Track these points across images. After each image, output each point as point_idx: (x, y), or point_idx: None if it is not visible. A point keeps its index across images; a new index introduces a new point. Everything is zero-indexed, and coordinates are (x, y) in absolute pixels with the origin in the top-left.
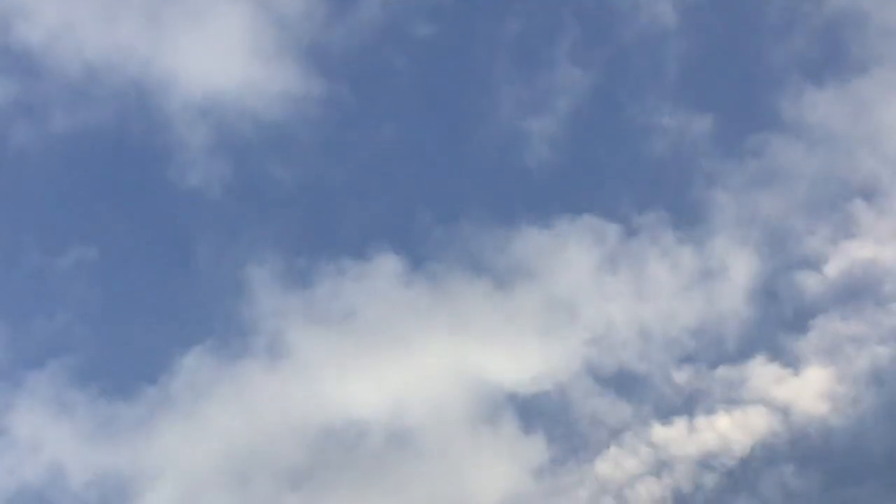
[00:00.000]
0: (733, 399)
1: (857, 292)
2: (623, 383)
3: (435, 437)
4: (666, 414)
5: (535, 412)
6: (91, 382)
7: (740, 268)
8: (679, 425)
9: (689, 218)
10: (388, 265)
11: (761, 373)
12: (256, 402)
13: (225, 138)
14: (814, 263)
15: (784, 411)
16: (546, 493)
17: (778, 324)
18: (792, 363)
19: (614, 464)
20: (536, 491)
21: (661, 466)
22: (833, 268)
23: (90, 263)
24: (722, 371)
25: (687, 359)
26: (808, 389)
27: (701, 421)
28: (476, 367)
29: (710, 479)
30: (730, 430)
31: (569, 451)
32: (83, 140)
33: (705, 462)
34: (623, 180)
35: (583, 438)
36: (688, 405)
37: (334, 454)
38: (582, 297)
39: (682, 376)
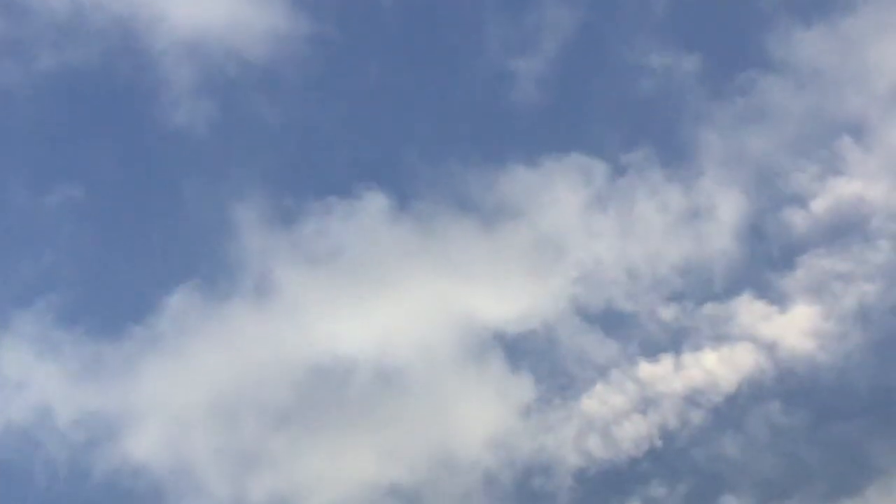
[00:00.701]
0: (720, 336)
1: (844, 229)
2: (610, 321)
3: (422, 375)
4: (652, 351)
5: (521, 350)
6: (77, 322)
7: (728, 206)
8: (665, 362)
9: (676, 157)
10: (374, 203)
11: (748, 310)
12: (243, 341)
13: (211, 77)
14: (801, 201)
15: (771, 348)
16: (533, 431)
17: (765, 261)
18: (779, 300)
19: (601, 401)
20: (523, 428)
21: (647, 403)
22: (820, 205)
23: (76, 202)
24: (709, 308)
25: (674, 296)
26: (794, 326)
27: (687, 358)
28: (463, 305)
29: (696, 416)
30: (716, 367)
31: (555, 388)
32: (69, 79)
33: (692, 399)
34: (610, 119)
35: (569, 376)
36: (674, 342)
37: (321, 393)
38: (569, 236)
39: (668, 313)
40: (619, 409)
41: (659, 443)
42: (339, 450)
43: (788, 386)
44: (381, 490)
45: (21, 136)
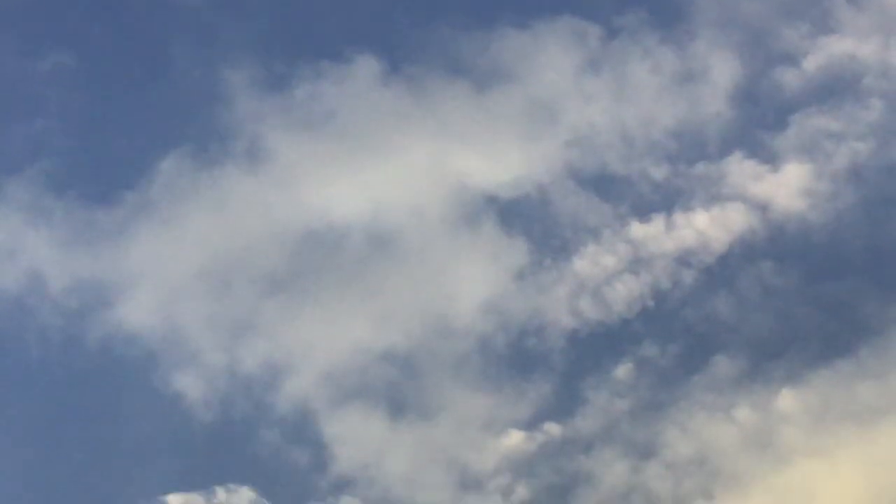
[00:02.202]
0: (711, 196)
1: (836, 88)
2: (603, 184)
3: (415, 239)
4: (644, 212)
5: (515, 214)
6: (69, 188)
7: (720, 67)
8: (657, 222)
9: (670, 18)
10: (366, 68)
11: (739, 169)
12: (235, 206)
13: None
14: (793, 60)
15: (762, 208)
16: (526, 294)
17: (757, 121)
18: (770, 160)
19: (592, 262)
20: (516, 292)
21: (639, 264)
22: (812, 63)
23: (68, 69)
24: (700, 168)
25: (666, 158)
26: (786, 186)
27: (679, 218)
28: (456, 169)
29: (688, 276)
30: (708, 228)
31: (548, 251)
32: None
33: (683, 259)
34: None
35: (562, 238)
36: (666, 203)
37: (314, 258)
38: (562, 99)
39: (660, 173)
40: (610, 270)
41: (651, 303)
42: (331, 316)
43: (780, 246)
44: (375, 355)
45: (13, 2)
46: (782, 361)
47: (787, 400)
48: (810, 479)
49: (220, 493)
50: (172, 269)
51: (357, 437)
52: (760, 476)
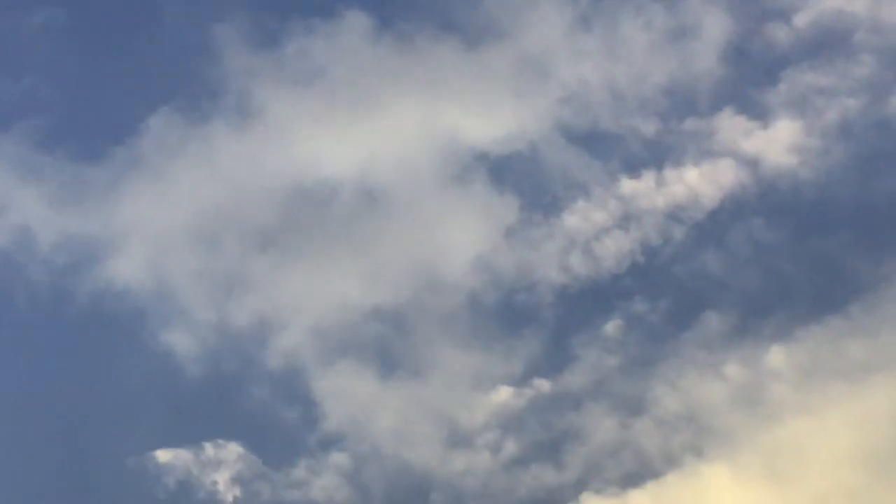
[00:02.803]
0: (702, 152)
1: (827, 44)
2: (594, 141)
3: (406, 196)
4: (634, 167)
5: (505, 171)
6: (58, 144)
7: (712, 24)
8: (647, 178)
9: None
10: (356, 23)
11: (730, 125)
12: (225, 162)
13: None
14: (784, 15)
15: (753, 164)
16: (516, 250)
17: (748, 77)
18: (761, 116)
19: (583, 217)
20: (507, 248)
21: (629, 220)
22: (803, 19)
23: (58, 24)
24: (690, 124)
25: (657, 114)
26: (777, 142)
27: (670, 174)
28: (447, 125)
29: (678, 232)
30: (698, 184)
31: (538, 208)
32: None
33: (674, 215)
34: None
35: (552, 195)
36: (656, 158)
37: (304, 214)
38: (554, 56)
39: (650, 129)
40: (601, 226)
41: (641, 259)
42: (321, 272)
43: (770, 202)
44: (365, 312)
45: None
46: (772, 318)
47: (776, 356)
48: (800, 435)
49: (209, 448)
50: (162, 225)
51: (347, 394)
52: (750, 433)
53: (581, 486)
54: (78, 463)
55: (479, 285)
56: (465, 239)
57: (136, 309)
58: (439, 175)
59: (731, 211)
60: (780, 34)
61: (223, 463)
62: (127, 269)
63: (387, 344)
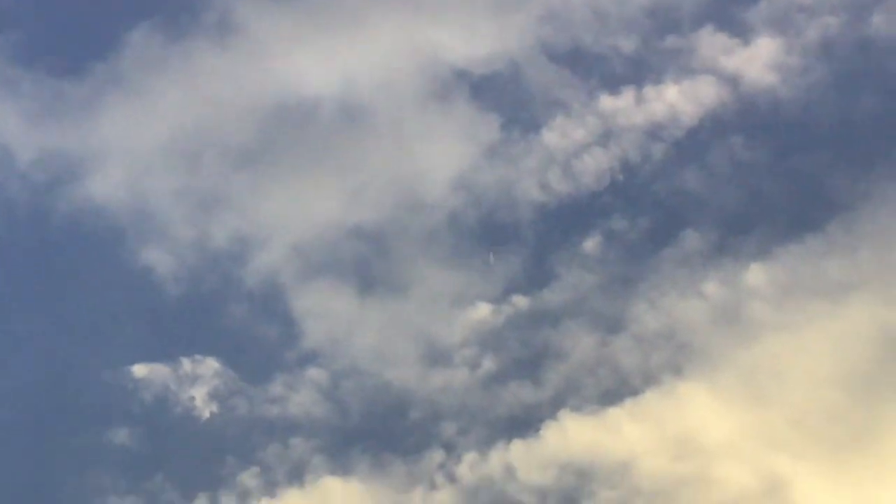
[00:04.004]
0: (682, 69)
1: None
2: (574, 59)
3: (387, 114)
4: (614, 84)
5: (486, 89)
6: (36, 60)
7: None
8: (627, 96)
9: None
10: None
11: (710, 43)
12: (205, 79)
13: None
14: None
15: (733, 82)
16: (496, 168)
17: None
18: (742, 33)
19: (562, 134)
20: (487, 167)
21: (608, 137)
22: None
23: None
24: (671, 41)
25: (638, 31)
26: (757, 60)
27: (649, 91)
28: (428, 44)
29: (657, 150)
30: (678, 101)
31: (518, 124)
32: None
33: (653, 133)
34: None
35: (532, 113)
36: (636, 76)
37: (284, 133)
38: None
39: (630, 46)
40: (580, 143)
41: (620, 177)
42: (302, 190)
43: (750, 120)
44: (345, 231)
45: None
46: (751, 236)
47: (755, 275)
48: (778, 354)
49: (186, 363)
50: (141, 143)
51: (326, 312)
52: (728, 351)
53: (559, 403)
54: (53, 378)
55: (459, 204)
56: (446, 157)
57: (115, 227)
58: (420, 94)
59: (711, 128)
60: None
61: (200, 378)
62: (106, 186)
63: (366, 263)
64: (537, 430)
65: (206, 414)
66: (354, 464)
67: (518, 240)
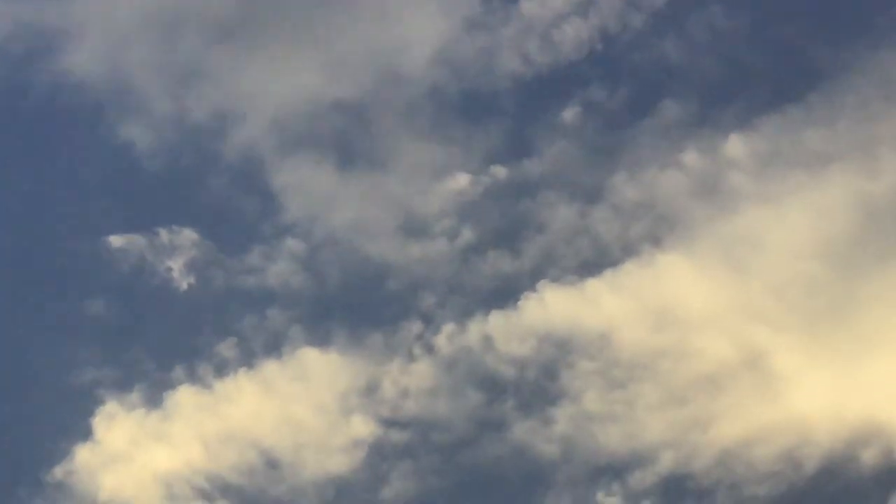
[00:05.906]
0: None
1: None
2: None
3: None
4: None
5: None
6: None
7: None
8: None
9: None
10: None
11: None
12: None
13: None
14: None
15: None
16: (475, 40)
17: None
18: None
19: (541, 4)
20: (466, 39)
21: (587, 6)
22: None
23: None
24: None
25: None
26: None
27: None
28: None
29: (636, 19)
30: None
31: None
32: None
33: (632, 1)
34: None
35: None
36: None
37: (264, 5)
38: None
39: None
40: (559, 13)
41: (599, 46)
42: (281, 64)
43: None
44: (325, 105)
45: None
46: (731, 106)
47: (735, 145)
48: (758, 225)
49: (163, 234)
50: (119, 16)
51: (305, 186)
52: (708, 222)
53: (538, 274)
54: (28, 249)
55: (439, 77)
56: (426, 30)
57: (94, 101)
58: None
59: None
60: None
61: (178, 249)
62: (84, 60)
63: (346, 136)
64: (516, 301)
65: (184, 285)
66: (332, 335)
67: (497, 111)
